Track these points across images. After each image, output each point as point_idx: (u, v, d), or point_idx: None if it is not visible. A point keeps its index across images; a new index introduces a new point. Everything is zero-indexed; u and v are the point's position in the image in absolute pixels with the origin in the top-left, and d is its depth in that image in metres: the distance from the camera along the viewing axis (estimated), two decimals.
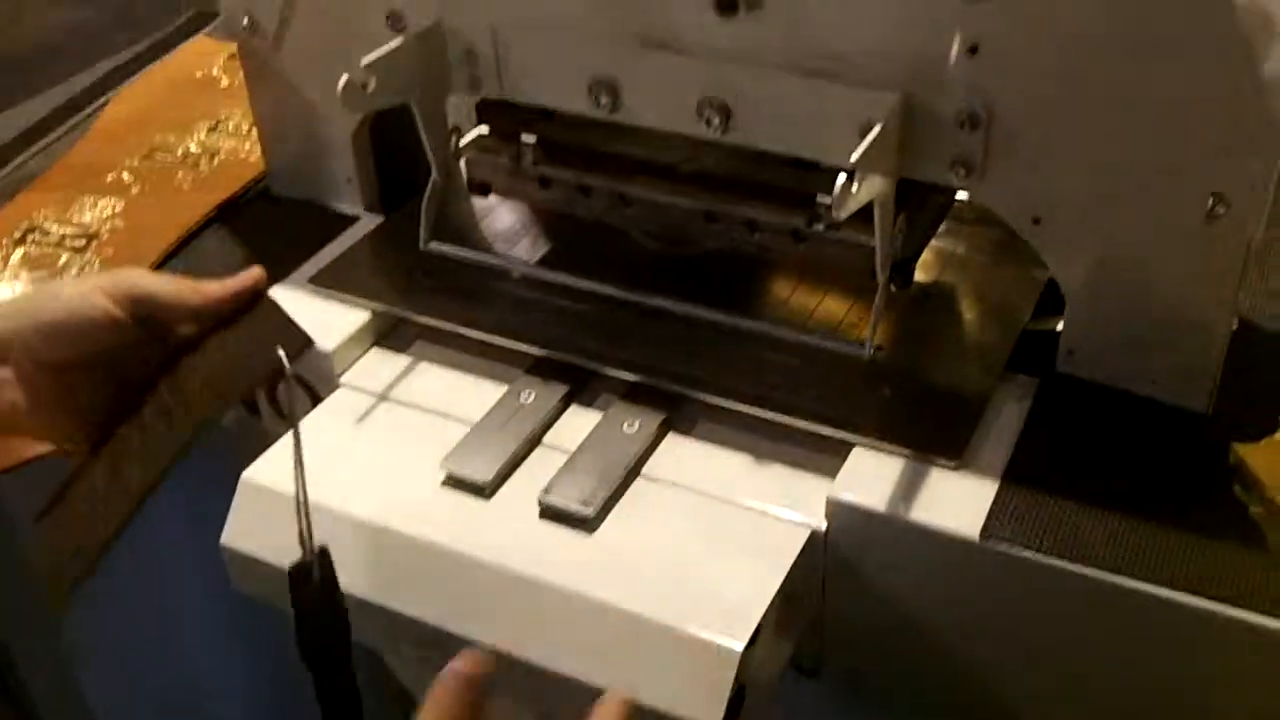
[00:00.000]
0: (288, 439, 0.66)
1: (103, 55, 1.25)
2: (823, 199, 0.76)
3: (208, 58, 1.22)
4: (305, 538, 0.63)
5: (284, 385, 0.68)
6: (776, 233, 0.79)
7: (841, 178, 0.64)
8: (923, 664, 0.73)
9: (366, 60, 0.77)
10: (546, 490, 0.72)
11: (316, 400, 0.81)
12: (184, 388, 0.69)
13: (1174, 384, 0.73)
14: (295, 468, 0.65)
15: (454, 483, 0.74)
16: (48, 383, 0.65)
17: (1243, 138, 0.65)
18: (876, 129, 0.68)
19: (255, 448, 0.75)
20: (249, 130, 1.06)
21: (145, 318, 0.66)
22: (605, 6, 0.76)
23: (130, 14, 1.40)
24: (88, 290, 0.66)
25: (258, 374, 0.70)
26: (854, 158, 0.65)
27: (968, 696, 0.73)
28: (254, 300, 0.70)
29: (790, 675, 0.77)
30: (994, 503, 0.68)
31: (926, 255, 0.83)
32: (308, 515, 0.63)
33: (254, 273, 0.70)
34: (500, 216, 0.94)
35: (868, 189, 0.68)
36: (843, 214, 0.65)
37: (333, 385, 0.82)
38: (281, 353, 0.67)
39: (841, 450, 0.72)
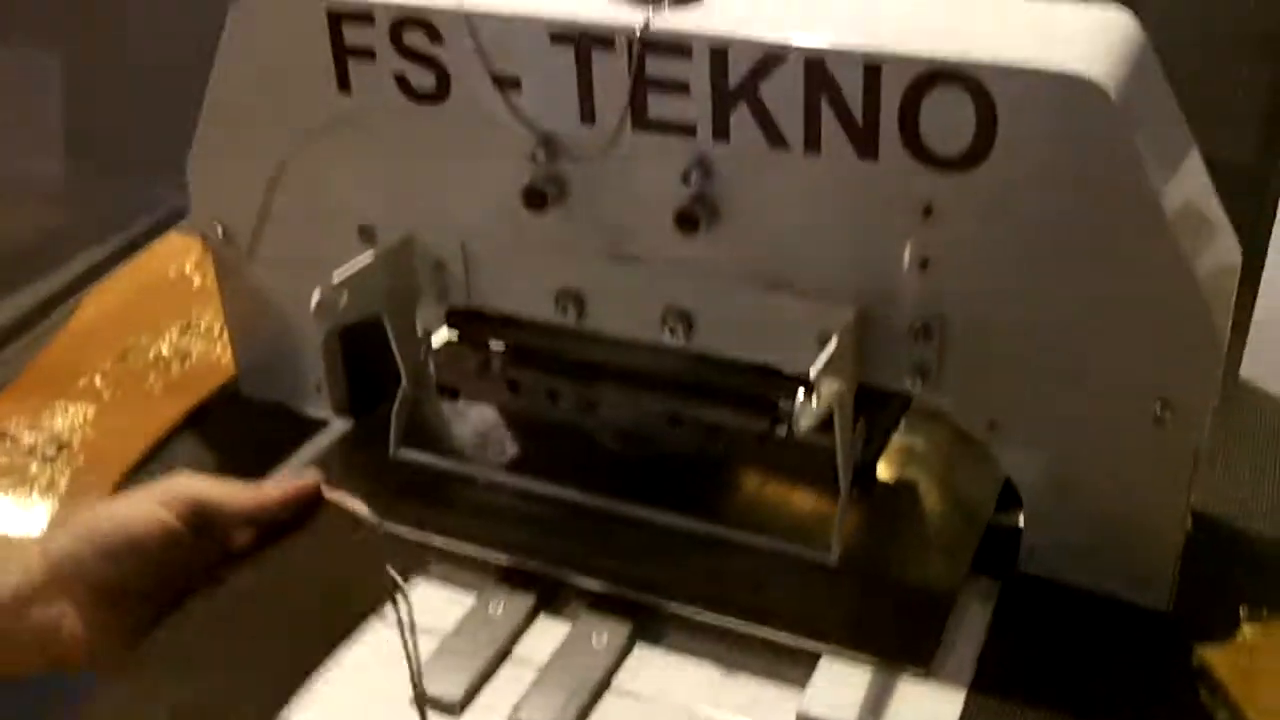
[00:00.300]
0: None
1: (74, 254, 1.27)
2: (784, 404, 0.78)
3: (179, 256, 1.24)
4: None
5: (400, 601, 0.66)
6: (739, 436, 0.80)
7: (800, 393, 0.66)
8: None
9: (339, 277, 0.79)
10: (517, 708, 0.71)
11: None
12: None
13: (1133, 583, 0.74)
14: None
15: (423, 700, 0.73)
16: (105, 610, 0.63)
17: (1184, 344, 0.67)
18: (834, 342, 0.70)
19: None
20: (220, 332, 1.07)
21: (201, 525, 0.65)
22: (571, 223, 0.79)
23: (102, 212, 1.42)
24: (143, 504, 0.64)
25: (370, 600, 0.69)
26: (813, 372, 0.67)
27: None
28: (313, 505, 0.69)
29: None
30: (963, 710, 0.68)
31: (889, 451, 0.85)
32: None
33: (311, 477, 0.69)
34: (469, 418, 0.95)
35: (827, 398, 0.69)
36: (803, 428, 0.67)
37: None
38: (394, 573, 0.65)
39: (810, 659, 0.73)
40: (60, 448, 0.93)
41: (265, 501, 0.67)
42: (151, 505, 0.64)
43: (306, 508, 0.67)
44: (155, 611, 0.65)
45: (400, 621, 0.64)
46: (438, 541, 0.83)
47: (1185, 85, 0.70)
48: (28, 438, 0.94)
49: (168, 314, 1.12)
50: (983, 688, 0.69)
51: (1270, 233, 0.98)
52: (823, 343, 0.71)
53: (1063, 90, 0.63)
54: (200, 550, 0.65)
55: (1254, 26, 1.13)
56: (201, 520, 0.65)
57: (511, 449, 0.92)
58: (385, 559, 0.66)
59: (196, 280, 1.19)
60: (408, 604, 0.64)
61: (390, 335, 0.85)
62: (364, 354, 0.96)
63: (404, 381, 0.87)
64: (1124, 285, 0.67)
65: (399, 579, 0.64)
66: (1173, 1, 1.07)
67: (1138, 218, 0.65)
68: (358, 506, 0.67)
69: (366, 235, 0.86)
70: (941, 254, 0.70)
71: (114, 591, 0.63)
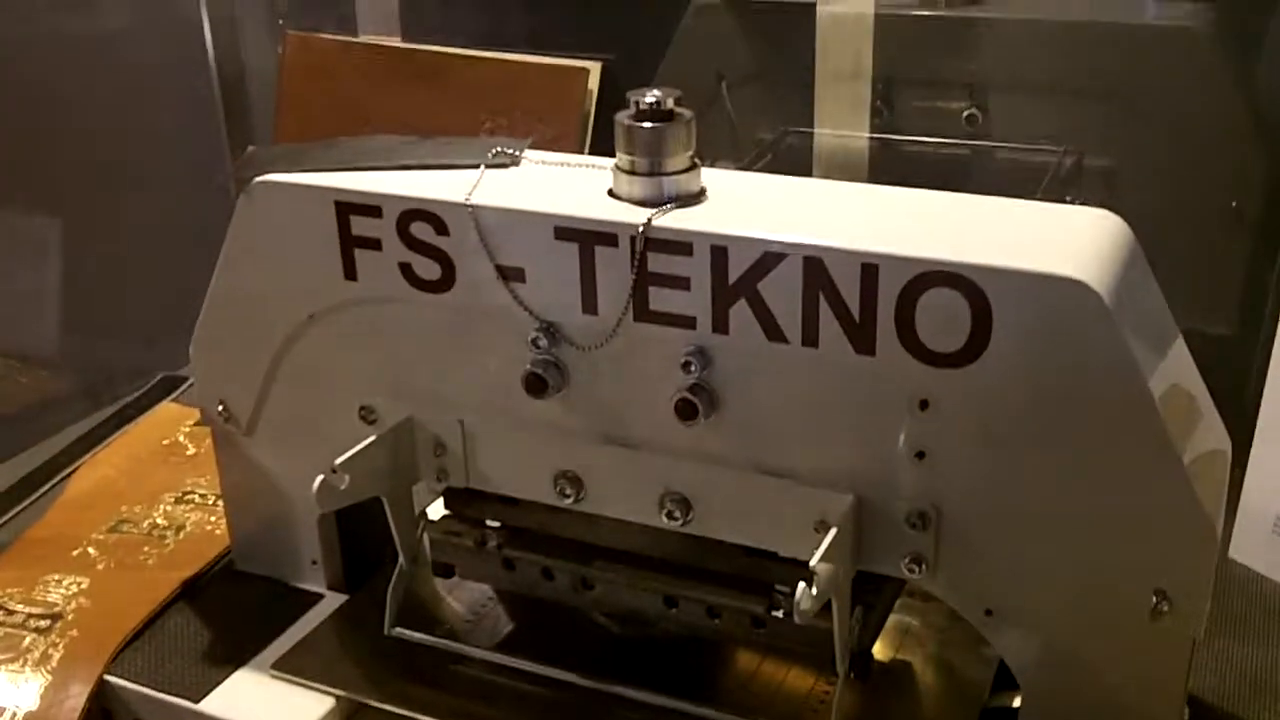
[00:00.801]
0: None
1: (68, 423, 1.29)
2: (781, 587, 0.79)
3: (173, 425, 1.25)
4: None
5: None
6: (736, 618, 0.81)
7: (801, 585, 0.67)
8: None
9: (340, 460, 0.80)
10: None
11: None
12: None
13: None
14: None
15: None
16: None
17: (1179, 536, 0.69)
18: (833, 532, 0.71)
19: None
20: (214, 501, 1.08)
21: None
22: (570, 408, 0.81)
23: (95, 380, 1.44)
24: None
25: None
26: (813, 562, 0.68)
27: None
28: None
29: None
30: None
31: (884, 631, 0.86)
32: None
33: None
34: (462, 596, 0.96)
35: (826, 586, 0.71)
36: (804, 616, 0.68)
37: None
38: None
39: None
40: (54, 619, 0.93)
41: None
42: None
43: None
44: None
45: None
46: None
47: (1164, 261, 0.73)
48: (21, 609, 0.94)
49: (162, 483, 1.13)
50: None
51: (1257, 407, 1.00)
52: (820, 529, 0.73)
53: (1055, 291, 0.66)
54: None
55: (1227, 201, 1.17)
56: None
57: (506, 627, 0.92)
58: None
59: (191, 448, 1.20)
60: None
61: (389, 515, 0.86)
62: (359, 529, 0.97)
63: (400, 560, 0.88)
64: (1117, 479, 0.69)
65: None
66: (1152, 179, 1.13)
67: (1129, 413, 0.67)
68: None
69: (367, 416, 0.88)
70: (937, 446, 0.72)
71: None
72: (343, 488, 0.80)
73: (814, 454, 0.75)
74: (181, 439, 1.22)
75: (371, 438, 0.83)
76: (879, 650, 0.86)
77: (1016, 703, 0.80)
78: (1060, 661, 0.74)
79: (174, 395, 1.32)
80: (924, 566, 0.74)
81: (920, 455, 0.73)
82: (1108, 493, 0.69)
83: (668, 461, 0.79)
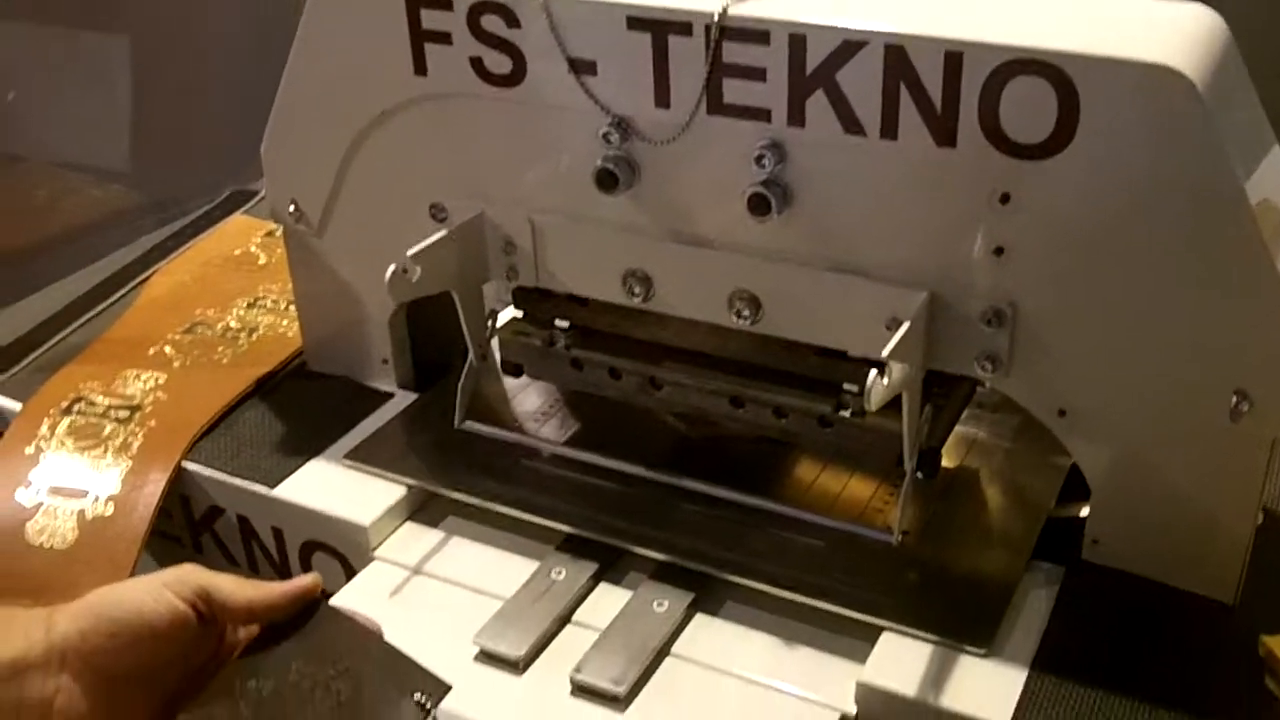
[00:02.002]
0: None
1: (143, 233, 1.30)
2: (849, 387, 0.79)
3: (245, 236, 1.26)
4: None
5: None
6: (803, 419, 0.81)
7: (873, 373, 0.67)
8: None
9: (412, 252, 0.80)
10: (578, 668, 0.72)
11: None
12: None
13: (1200, 576, 0.75)
14: None
15: (486, 658, 0.75)
16: (103, 693, 0.64)
17: (1264, 335, 0.68)
18: (906, 326, 0.71)
19: None
20: (286, 306, 1.09)
21: (207, 614, 0.66)
22: (641, 205, 0.80)
23: (169, 194, 1.45)
24: (154, 588, 0.66)
25: None
26: (885, 353, 0.68)
27: None
28: (311, 606, 0.69)
29: None
30: (1023, 691, 0.69)
31: (950, 440, 0.86)
32: None
33: (312, 578, 0.70)
34: (530, 396, 0.97)
35: (897, 381, 0.70)
36: (874, 406, 0.68)
37: (367, 559, 0.84)
38: (423, 699, 0.65)
39: (869, 635, 0.74)
40: (133, 411, 0.95)
41: (268, 597, 0.68)
42: (162, 590, 0.65)
43: (306, 608, 0.68)
44: (155, 698, 0.66)
45: None
46: (500, 511, 0.84)
47: (1266, 84, 0.71)
48: (102, 401, 0.97)
49: (235, 289, 1.15)
50: (1043, 669, 0.70)
51: None
52: (891, 328, 0.72)
53: (1148, 80, 0.64)
54: (203, 639, 0.66)
55: None
56: (208, 609, 0.66)
57: (573, 426, 0.93)
58: (408, 678, 0.65)
59: (262, 258, 1.21)
60: None
61: (459, 311, 0.86)
62: (429, 331, 0.98)
63: (470, 357, 0.89)
64: (1203, 276, 0.67)
65: (426, 701, 0.64)
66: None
67: (1220, 207, 0.65)
68: (363, 616, 0.68)
69: (438, 212, 0.88)
70: (1016, 241, 0.71)
71: (117, 671, 0.64)
72: (414, 280, 0.80)
73: (888, 250, 0.74)
74: (253, 249, 1.23)
75: (443, 232, 0.83)
76: (946, 458, 0.86)
77: (1083, 513, 0.80)
78: (1133, 464, 0.74)
79: (245, 208, 1.33)
80: (997, 365, 0.74)
81: (998, 251, 0.71)
82: (1192, 290, 0.68)
83: (738, 260, 0.78)
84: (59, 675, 0.63)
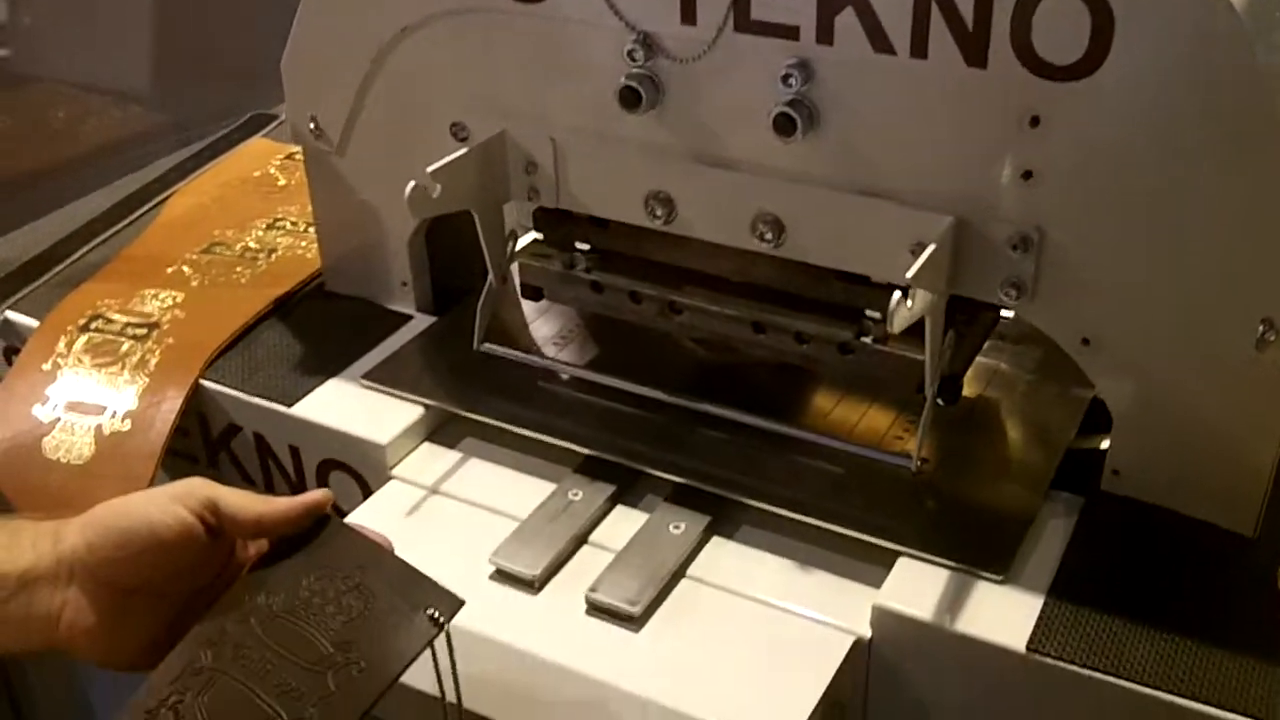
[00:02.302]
0: None
1: (163, 154, 1.30)
2: (871, 313, 0.78)
3: (264, 158, 1.26)
4: None
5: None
6: (824, 345, 0.80)
7: (896, 294, 0.66)
8: None
9: (432, 168, 0.79)
10: (593, 588, 0.72)
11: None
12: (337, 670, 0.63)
13: (1220, 507, 0.74)
14: None
15: (502, 576, 0.75)
16: (111, 606, 0.63)
17: None
18: (930, 249, 0.70)
19: None
20: (305, 228, 1.09)
21: (215, 528, 0.65)
22: (665, 125, 0.79)
23: (189, 116, 1.44)
24: (162, 500, 0.65)
25: (416, 643, 0.64)
26: (909, 275, 0.67)
27: None
28: (321, 521, 0.69)
29: None
30: (1040, 617, 0.68)
31: (971, 372, 0.85)
32: None
33: (322, 493, 0.69)
34: (549, 321, 0.96)
35: (920, 305, 0.70)
36: (896, 328, 0.67)
37: (384, 478, 0.84)
38: (435, 613, 0.64)
39: (886, 560, 0.73)
40: (150, 328, 0.95)
41: (277, 510, 0.67)
42: (170, 502, 0.64)
43: (315, 524, 0.67)
44: (163, 612, 0.65)
45: (436, 660, 0.63)
46: (518, 432, 0.84)
47: None
48: (119, 318, 0.96)
49: (254, 211, 1.14)
50: (1060, 597, 0.70)
51: None
52: (916, 253, 0.71)
53: None
54: (212, 552, 0.65)
55: None
56: (216, 521, 0.65)
57: (592, 351, 0.92)
58: (420, 593, 0.64)
59: (282, 180, 1.20)
60: (449, 643, 0.64)
61: (479, 231, 0.85)
62: (448, 255, 0.97)
63: (490, 278, 0.88)
64: (1234, 201, 0.66)
65: (439, 616, 0.63)
66: None
67: (1254, 132, 0.64)
68: (373, 531, 0.68)
69: (459, 131, 0.87)
70: (1045, 165, 0.70)
71: (125, 584, 0.63)
72: (434, 196, 0.80)
73: (914, 174, 0.73)
74: (273, 171, 1.23)
75: (464, 150, 0.82)
76: (967, 389, 0.86)
77: (1103, 445, 0.79)
78: (1156, 394, 0.73)
79: (265, 131, 1.32)
80: (1022, 292, 0.73)
81: (1027, 175, 0.70)
82: (1221, 217, 0.67)
83: (762, 181, 0.77)
84: (67, 588, 0.63)
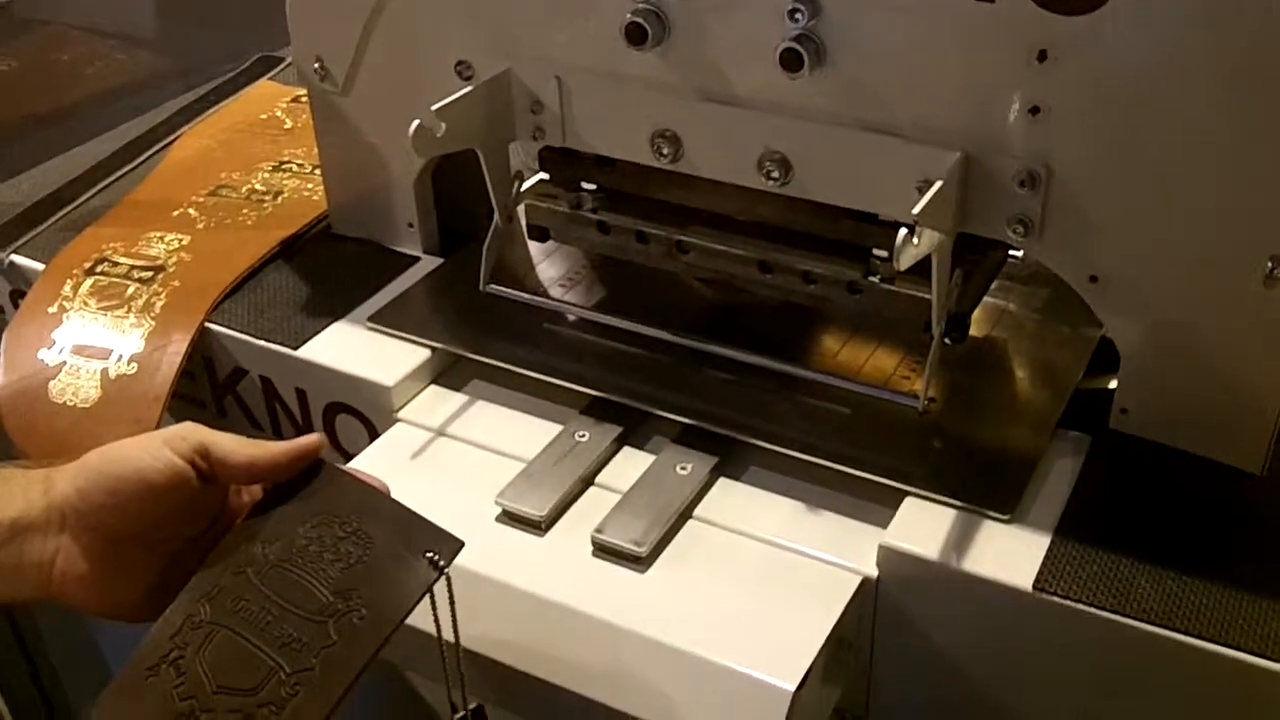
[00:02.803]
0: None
1: (168, 98, 1.29)
2: (878, 252, 0.77)
3: (270, 101, 1.25)
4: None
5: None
6: (831, 284, 0.80)
7: (902, 231, 0.66)
8: (968, 712, 0.73)
9: (437, 106, 0.79)
10: (600, 528, 0.73)
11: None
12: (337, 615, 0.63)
13: (1228, 445, 0.74)
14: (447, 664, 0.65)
15: (508, 518, 0.75)
16: (103, 556, 0.63)
17: None
18: (937, 185, 0.69)
19: None
20: (311, 170, 1.08)
21: (207, 473, 0.64)
22: (671, 62, 0.78)
23: (195, 60, 1.43)
24: (152, 445, 0.63)
25: (416, 587, 0.64)
26: (915, 211, 0.67)
27: None
28: (314, 467, 0.67)
29: None
30: (1046, 555, 0.68)
31: (979, 312, 0.84)
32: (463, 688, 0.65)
33: (315, 437, 0.68)
34: (555, 262, 0.96)
35: (927, 242, 0.69)
36: (903, 265, 0.67)
37: (390, 421, 0.84)
38: (435, 556, 0.63)
39: (892, 500, 0.73)
40: (156, 271, 0.95)
41: (269, 455, 0.65)
42: (160, 446, 0.63)
43: (309, 470, 0.66)
44: (157, 560, 0.64)
45: (434, 603, 0.63)
46: (524, 374, 0.84)
47: None
48: (125, 261, 0.96)
49: (260, 153, 1.14)
50: (1067, 536, 0.69)
51: None
52: (923, 190, 0.71)
53: None
54: (204, 498, 0.64)
55: None
56: (207, 465, 0.63)
57: (599, 292, 0.92)
58: (419, 536, 0.64)
59: (288, 123, 1.20)
60: (448, 585, 0.63)
61: (484, 170, 0.85)
62: (454, 197, 0.97)
63: (495, 219, 0.87)
64: (1243, 137, 0.65)
65: (439, 559, 0.63)
66: None
67: (1265, 65, 0.63)
68: (368, 476, 0.67)
69: (464, 70, 0.86)
70: (1053, 101, 0.69)
71: (117, 531, 0.62)
72: (438, 135, 0.79)
73: (922, 110, 0.72)
74: (279, 114, 1.22)
75: (469, 88, 0.82)
76: (975, 329, 0.85)
77: (1111, 385, 0.79)
78: (1164, 331, 0.72)
79: (271, 74, 1.31)
80: (1029, 230, 0.72)
81: (1034, 111, 0.69)
82: (1230, 153, 0.66)
83: (769, 119, 0.76)
84: (59, 536, 0.62)
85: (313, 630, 0.61)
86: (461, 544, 0.63)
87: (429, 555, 0.63)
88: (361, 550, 0.64)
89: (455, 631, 0.64)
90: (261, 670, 0.60)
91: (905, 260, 0.67)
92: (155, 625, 0.62)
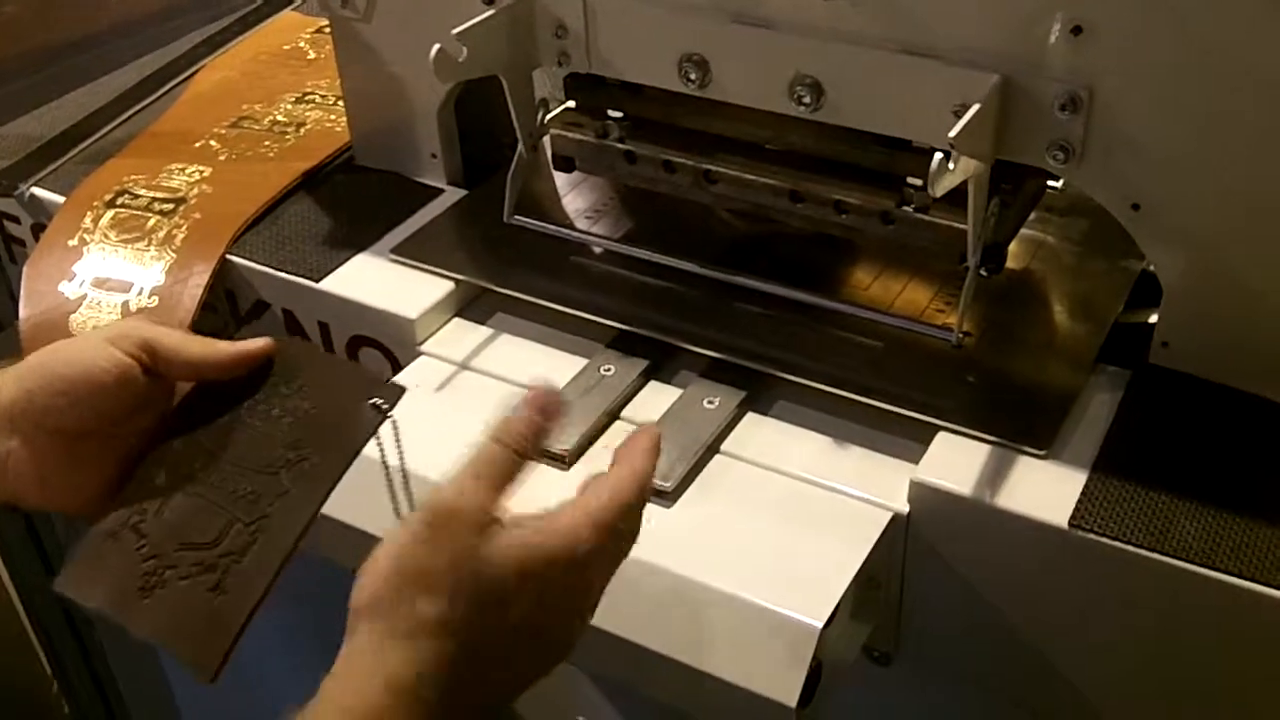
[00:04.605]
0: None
1: (191, 29, 1.27)
2: (913, 181, 0.75)
3: (293, 32, 1.23)
4: None
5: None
6: (864, 214, 0.78)
7: (938, 155, 0.64)
8: (1000, 652, 0.71)
9: (458, 30, 0.77)
10: None
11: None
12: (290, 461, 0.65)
13: (1272, 380, 0.71)
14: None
15: None
16: (57, 454, 0.63)
17: None
18: (974, 109, 0.67)
19: None
20: (335, 101, 1.06)
21: (153, 370, 0.64)
22: None
23: None
24: (98, 343, 0.64)
25: (363, 432, 0.65)
26: (951, 134, 0.64)
27: (1043, 687, 0.71)
28: (264, 369, 0.68)
29: (860, 662, 0.76)
30: (1083, 492, 0.66)
31: (1016, 244, 0.82)
32: None
33: (264, 341, 0.68)
34: (581, 194, 0.94)
35: (963, 169, 0.67)
36: (938, 191, 0.65)
37: (413, 354, 0.82)
38: (381, 403, 0.65)
39: (924, 436, 0.71)
40: (177, 203, 0.93)
41: (216, 353, 0.66)
42: (105, 344, 0.63)
43: (258, 370, 0.67)
44: (110, 459, 0.65)
45: (382, 448, 0.64)
46: (550, 307, 0.82)
47: None
48: (145, 194, 0.95)
49: (283, 85, 1.12)
50: (1105, 470, 0.67)
51: None
52: (960, 115, 0.68)
53: None
54: (153, 394, 0.65)
55: None
56: (153, 362, 0.64)
57: (626, 224, 0.90)
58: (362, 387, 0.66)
59: (311, 54, 1.18)
60: (394, 427, 0.64)
61: (508, 96, 0.83)
62: (477, 130, 0.95)
63: (520, 148, 0.85)
64: None
65: (384, 405, 0.64)
66: None
67: None
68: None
69: None
70: (1097, 20, 0.66)
71: (68, 430, 0.62)
72: (460, 60, 0.77)
73: (959, 30, 0.69)
74: (302, 44, 1.20)
75: (491, 10, 0.79)
76: (1012, 261, 0.83)
77: (1151, 319, 0.76)
78: (1208, 262, 0.70)
79: (294, 5, 1.29)
80: (1070, 155, 0.69)
81: (1076, 31, 0.66)
82: (1273, 76, 0.63)
83: (801, 41, 0.74)
84: (10, 439, 0.62)
85: (266, 481, 0.63)
86: (404, 389, 0.65)
87: (374, 403, 0.64)
88: (309, 405, 0.66)
89: (404, 474, 0.65)
90: (220, 523, 0.62)
91: (941, 186, 0.64)
92: (115, 498, 0.64)
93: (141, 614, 0.62)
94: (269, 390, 0.66)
